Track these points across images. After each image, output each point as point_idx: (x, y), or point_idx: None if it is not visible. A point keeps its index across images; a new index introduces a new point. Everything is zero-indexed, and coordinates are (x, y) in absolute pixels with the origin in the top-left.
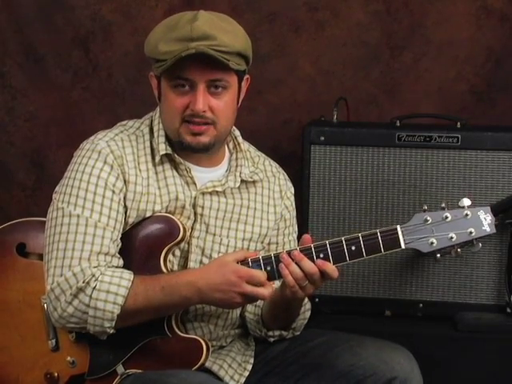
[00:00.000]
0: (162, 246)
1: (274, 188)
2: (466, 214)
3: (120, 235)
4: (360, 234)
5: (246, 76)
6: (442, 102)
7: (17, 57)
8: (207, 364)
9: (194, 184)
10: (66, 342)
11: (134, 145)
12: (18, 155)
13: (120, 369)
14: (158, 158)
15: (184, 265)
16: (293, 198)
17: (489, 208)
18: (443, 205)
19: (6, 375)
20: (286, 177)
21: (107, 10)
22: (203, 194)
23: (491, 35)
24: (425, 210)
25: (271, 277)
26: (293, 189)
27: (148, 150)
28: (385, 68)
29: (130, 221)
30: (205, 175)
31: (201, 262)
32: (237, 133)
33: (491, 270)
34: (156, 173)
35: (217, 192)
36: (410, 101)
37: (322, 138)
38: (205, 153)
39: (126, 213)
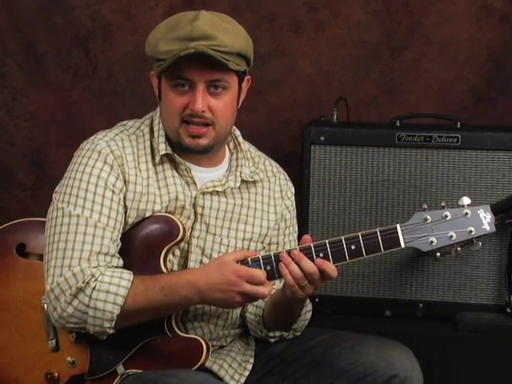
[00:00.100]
0: (161, 246)
1: (275, 188)
2: (466, 213)
3: (120, 235)
4: (360, 233)
5: (247, 77)
6: (442, 102)
7: (17, 57)
8: (207, 364)
9: (195, 184)
10: (67, 342)
11: (134, 145)
12: (18, 155)
13: (120, 369)
14: (158, 158)
15: (184, 265)
16: (293, 198)
17: (488, 207)
18: (443, 204)
19: (7, 375)
20: (287, 177)
21: (107, 9)
22: (203, 193)
23: (491, 35)
24: (424, 209)
25: (271, 276)
26: (293, 189)
27: (148, 150)
28: (385, 68)
29: (130, 221)
30: (205, 175)
31: (201, 261)
32: (237, 133)
33: (491, 270)
34: (156, 173)
35: (217, 192)
36: (410, 101)
37: (322, 138)
38: (204, 154)
39: (125, 213)
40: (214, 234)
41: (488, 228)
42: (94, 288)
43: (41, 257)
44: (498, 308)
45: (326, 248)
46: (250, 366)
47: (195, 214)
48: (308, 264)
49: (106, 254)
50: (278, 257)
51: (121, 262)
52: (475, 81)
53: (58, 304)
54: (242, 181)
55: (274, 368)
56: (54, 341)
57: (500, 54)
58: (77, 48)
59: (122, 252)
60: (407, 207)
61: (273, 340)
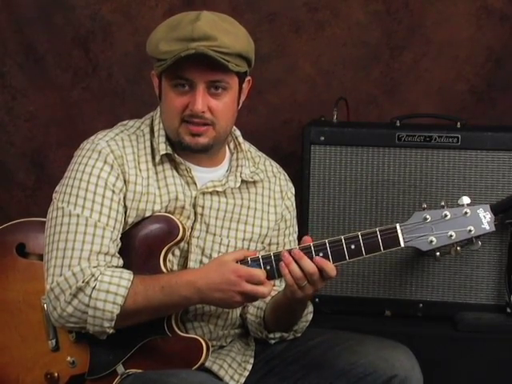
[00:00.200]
0: (161, 246)
1: (275, 188)
2: (466, 212)
3: (120, 235)
4: (359, 233)
5: (248, 77)
6: (442, 102)
7: (17, 57)
8: (207, 364)
9: (195, 184)
10: (66, 342)
11: (134, 144)
12: (18, 155)
13: (120, 369)
14: (158, 158)
15: (184, 265)
16: (293, 199)
17: (488, 206)
18: (442, 203)
19: (7, 375)
20: (287, 177)
21: (107, 9)
22: (203, 193)
23: (491, 35)
24: (424, 209)
25: (271, 276)
26: (293, 189)
27: (148, 150)
28: (385, 68)
29: (130, 220)
30: (205, 175)
31: (201, 261)
32: (238, 133)
33: (491, 270)
34: (156, 173)
35: (217, 192)
36: (410, 101)
37: (322, 138)
38: (204, 153)
39: (125, 212)
40: (214, 234)
41: (488, 227)
42: (93, 288)
43: (41, 257)
44: (498, 308)
45: (326, 248)
46: (249, 367)
47: (195, 213)
48: (308, 264)
49: (105, 254)
50: (277, 256)
51: (121, 262)
52: (475, 81)
53: (57, 303)
54: (242, 181)
55: (274, 368)
56: (53, 341)
57: (500, 54)
58: (77, 48)
59: (121, 252)
60: (407, 207)
61: (273, 341)
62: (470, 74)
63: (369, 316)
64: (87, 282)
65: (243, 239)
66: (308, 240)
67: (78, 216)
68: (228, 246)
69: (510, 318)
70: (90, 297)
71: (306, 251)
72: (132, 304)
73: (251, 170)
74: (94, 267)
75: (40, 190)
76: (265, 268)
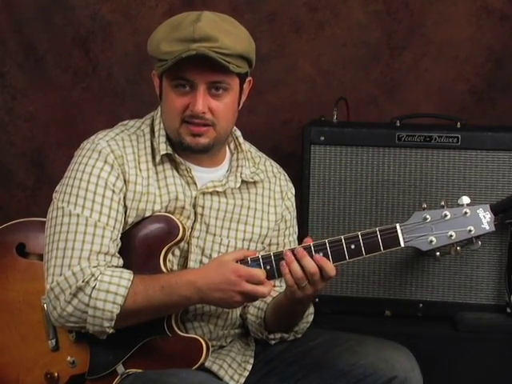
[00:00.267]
0: (161, 246)
1: (275, 188)
2: (466, 212)
3: (120, 235)
4: (359, 233)
5: (249, 78)
6: (442, 102)
7: (17, 57)
8: (207, 364)
9: (195, 184)
10: (66, 342)
11: (134, 144)
12: (18, 155)
13: (120, 368)
14: (158, 158)
15: (184, 264)
16: (293, 199)
17: (488, 206)
18: (442, 203)
19: (6, 375)
20: (287, 177)
21: (107, 9)
22: (204, 193)
23: (491, 35)
24: (424, 209)
25: (271, 276)
26: (293, 189)
27: (149, 150)
28: (385, 68)
29: (130, 220)
30: (205, 175)
31: (201, 261)
32: (238, 133)
33: (491, 270)
34: (156, 172)
35: (217, 192)
36: (410, 101)
37: (322, 138)
38: (204, 154)
39: (125, 212)
40: (214, 234)
41: (487, 227)
42: (93, 287)
43: (41, 257)
44: (498, 308)
45: (326, 247)
46: (249, 367)
47: (195, 214)
48: (310, 263)
49: (105, 254)
50: (277, 256)
51: (121, 262)
52: (475, 81)
53: (57, 303)
54: (243, 181)
55: (274, 369)
56: (53, 341)
57: (500, 54)
58: (77, 48)
59: (121, 251)
60: (407, 207)
61: (273, 342)
62: (469, 74)
63: (369, 316)
64: (87, 282)
65: (243, 239)
66: (309, 241)
67: (78, 216)
68: (228, 246)
69: (510, 318)
70: (90, 296)
71: (307, 251)
72: (132, 304)
73: (251, 170)
74: (94, 267)
75: (40, 190)
76: (265, 268)
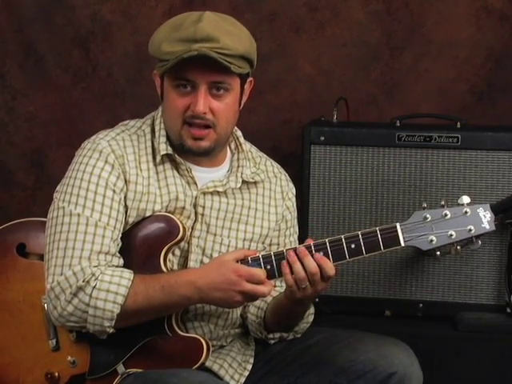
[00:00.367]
0: (161, 246)
1: (276, 189)
2: (466, 212)
3: (120, 235)
4: (360, 232)
5: (250, 79)
6: (442, 102)
7: (17, 57)
8: (207, 363)
9: (195, 184)
10: (67, 342)
11: (135, 144)
12: (18, 155)
13: (120, 368)
14: (158, 158)
15: (184, 264)
16: (294, 199)
17: (488, 205)
18: (442, 202)
19: (7, 375)
20: (288, 178)
21: (107, 10)
22: (204, 193)
23: (491, 35)
24: (424, 208)
25: (271, 275)
26: (294, 190)
27: (149, 150)
28: (385, 68)
29: (130, 220)
30: (206, 175)
31: (201, 261)
32: (239, 133)
33: (491, 270)
34: (157, 172)
35: (218, 192)
36: (410, 101)
37: (322, 138)
38: (205, 156)
39: (126, 212)
40: (215, 234)
41: (488, 226)
42: (94, 287)
43: (41, 257)
44: (498, 308)
45: (326, 247)
46: (249, 366)
47: (196, 213)
48: (311, 263)
49: (106, 254)
50: (278, 256)
51: (121, 262)
52: (475, 81)
53: (58, 303)
54: (243, 181)
55: (274, 368)
56: (54, 340)
57: (500, 54)
58: (77, 48)
59: (122, 251)
60: (407, 207)
61: (272, 341)
62: (469, 74)
63: (369, 316)
64: (88, 282)
65: (244, 239)
66: (310, 242)
67: (78, 215)
68: (228, 246)
69: (510, 318)
70: (91, 296)
71: (307, 250)
72: (132, 303)
73: (252, 170)
74: (95, 267)
75: (40, 190)
76: (265, 267)
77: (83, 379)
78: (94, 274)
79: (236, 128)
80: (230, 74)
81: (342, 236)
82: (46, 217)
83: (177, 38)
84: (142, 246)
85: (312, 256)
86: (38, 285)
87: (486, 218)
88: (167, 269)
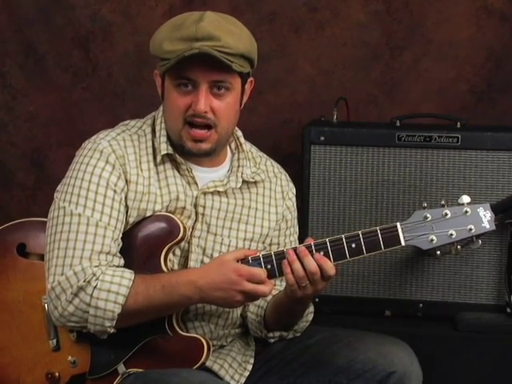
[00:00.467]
0: (162, 245)
1: (276, 188)
2: (466, 211)
3: (121, 234)
4: (360, 232)
5: (250, 78)
6: (442, 102)
7: (17, 57)
8: (208, 363)
9: (196, 184)
10: (67, 342)
11: (135, 144)
12: (18, 155)
13: (121, 368)
14: (159, 158)
15: (184, 264)
16: (294, 199)
17: (488, 205)
18: (443, 202)
19: (7, 375)
20: (288, 178)
21: (107, 10)
22: (205, 193)
23: (491, 35)
24: (424, 208)
25: (271, 275)
26: (294, 190)
27: (150, 150)
28: (385, 68)
29: (131, 220)
30: (206, 175)
31: (202, 261)
32: (239, 133)
33: (491, 269)
34: (157, 172)
35: (218, 192)
36: (410, 101)
37: (322, 138)
38: (206, 157)
39: (126, 212)
40: (215, 234)
41: (488, 226)
42: (95, 287)
43: (41, 257)
44: (498, 308)
45: (327, 246)
46: (249, 367)
47: (196, 213)
48: (311, 262)
49: (107, 254)
50: (278, 255)
51: (122, 262)
52: (475, 81)
53: (58, 303)
54: (244, 181)
55: (274, 367)
56: (54, 340)
57: (500, 54)
58: (77, 48)
59: (122, 251)
60: (407, 207)
61: (272, 340)
62: (469, 74)
63: (369, 316)
64: (88, 282)
65: (244, 239)
66: (310, 241)
67: (79, 215)
68: (229, 246)
69: (510, 318)
70: (92, 296)
71: (308, 250)
72: (133, 303)
73: (252, 170)
74: (96, 266)
75: (40, 190)
76: (265, 267)
77: (84, 379)
78: (94, 274)
79: (236, 128)
80: (231, 73)
81: (343, 235)
82: (46, 217)
83: (178, 36)
84: (143, 246)
85: (312, 256)
86: (38, 285)
87: (486, 218)
88: (168, 269)
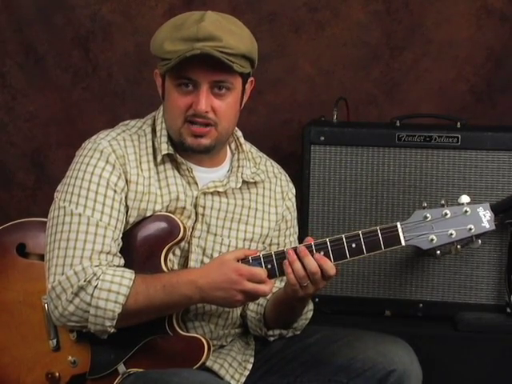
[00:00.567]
0: (162, 245)
1: (276, 189)
2: (466, 211)
3: (121, 234)
4: (360, 232)
5: (251, 78)
6: (442, 102)
7: (17, 57)
8: (208, 363)
9: (196, 184)
10: (67, 342)
11: (136, 144)
12: (18, 155)
13: (121, 368)
14: (159, 158)
15: (184, 264)
16: (294, 200)
17: (488, 205)
18: (443, 202)
19: (7, 375)
20: (288, 178)
21: (107, 10)
22: (205, 194)
23: (491, 35)
24: (424, 207)
25: (272, 275)
26: (294, 190)
27: (150, 150)
28: (385, 68)
29: (131, 220)
30: (206, 175)
31: (202, 261)
32: (239, 133)
33: (491, 269)
34: (157, 172)
35: (218, 192)
36: (410, 101)
37: (322, 138)
38: (206, 154)
39: (127, 212)
40: (215, 234)
41: (488, 226)
42: (95, 286)
43: (41, 257)
44: (498, 308)
45: (327, 246)
46: (250, 366)
47: (196, 214)
48: (312, 262)
49: (107, 253)
50: (279, 255)
51: (122, 261)
52: (475, 81)
53: (59, 302)
54: (243, 181)
55: (273, 367)
56: (54, 340)
57: (500, 54)
58: (77, 48)
59: (122, 251)
60: (407, 207)
61: (272, 339)
62: (469, 74)
63: (369, 316)
64: (89, 281)
65: (244, 239)
66: (310, 241)
67: (79, 215)
68: (229, 246)
69: (510, 318)
70: (92, 296)
71: (308, 250)
72: (133, 303)
73: (252, 170)
74: (96, 266)
75: (40, 190)
76: (266, 267)
77: (84, 379)
78: (95, 274)
79: (236, 128)
80: (232, 73)
81: (343, 235)
82: (46, 217)
83: (179, 37)
84: (143, 246)
85: (312, 256)
86: (38, 285)
87: (485, 218)
88: (168, 268)
